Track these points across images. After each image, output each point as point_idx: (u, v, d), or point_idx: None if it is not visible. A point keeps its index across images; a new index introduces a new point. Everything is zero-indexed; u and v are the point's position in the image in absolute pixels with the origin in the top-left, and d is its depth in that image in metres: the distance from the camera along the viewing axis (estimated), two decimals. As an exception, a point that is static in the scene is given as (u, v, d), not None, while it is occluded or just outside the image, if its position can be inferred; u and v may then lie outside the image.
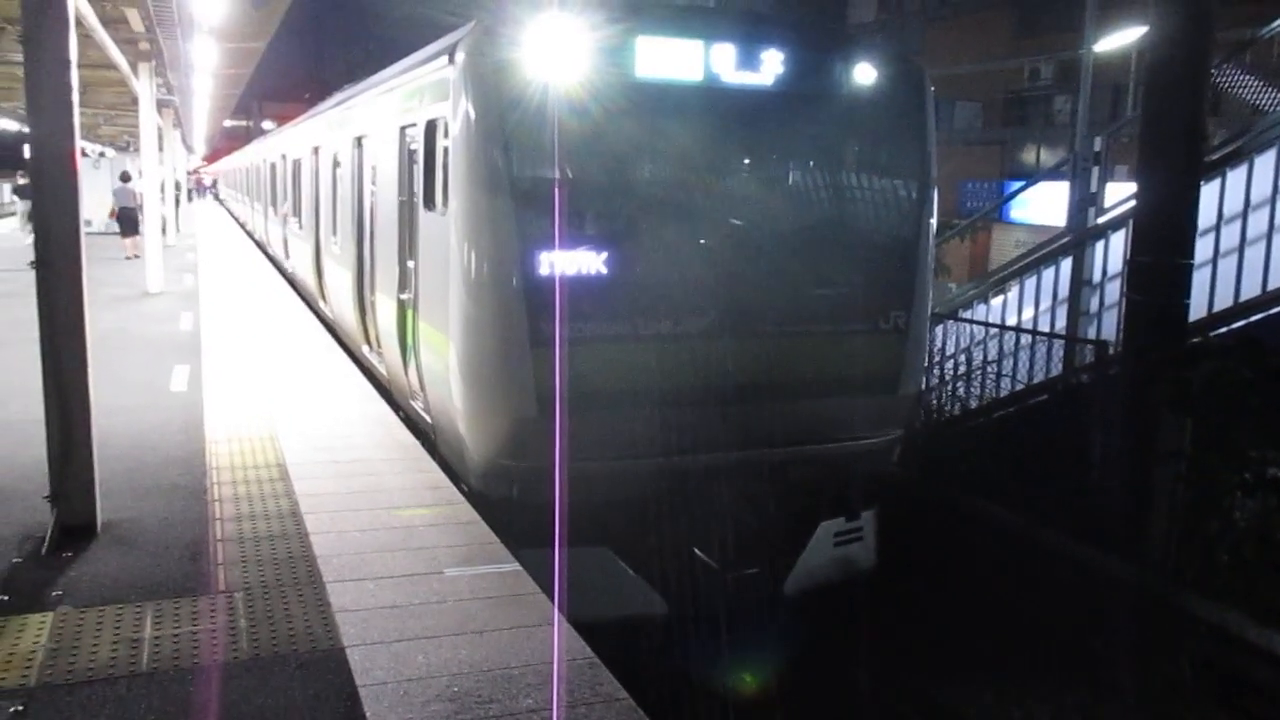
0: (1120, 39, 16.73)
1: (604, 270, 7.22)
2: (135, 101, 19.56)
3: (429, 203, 8.16)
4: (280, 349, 12.37)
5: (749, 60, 7.56)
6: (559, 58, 7.02)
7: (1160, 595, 8.25)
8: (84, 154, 22.43)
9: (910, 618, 8.95)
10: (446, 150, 7.58)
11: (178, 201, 33.81)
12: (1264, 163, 10.55)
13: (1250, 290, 10.51)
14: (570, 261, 7.13)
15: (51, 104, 5.91)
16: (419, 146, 8.44)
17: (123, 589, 5.39)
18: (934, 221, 8.57)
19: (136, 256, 22.17)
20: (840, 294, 8.13)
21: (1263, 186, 10.54)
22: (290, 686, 4.41)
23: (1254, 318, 10.40)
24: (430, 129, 8.09)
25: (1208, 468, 8.32)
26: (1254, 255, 10.52)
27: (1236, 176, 10.81)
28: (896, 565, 8.77)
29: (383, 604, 5.23)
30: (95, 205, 29.71)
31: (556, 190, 7.09)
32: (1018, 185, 25.36)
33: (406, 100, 9.00)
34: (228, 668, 4.57)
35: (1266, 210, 10.45)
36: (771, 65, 7.61)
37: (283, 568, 5.70)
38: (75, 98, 5.98)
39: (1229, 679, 7.66)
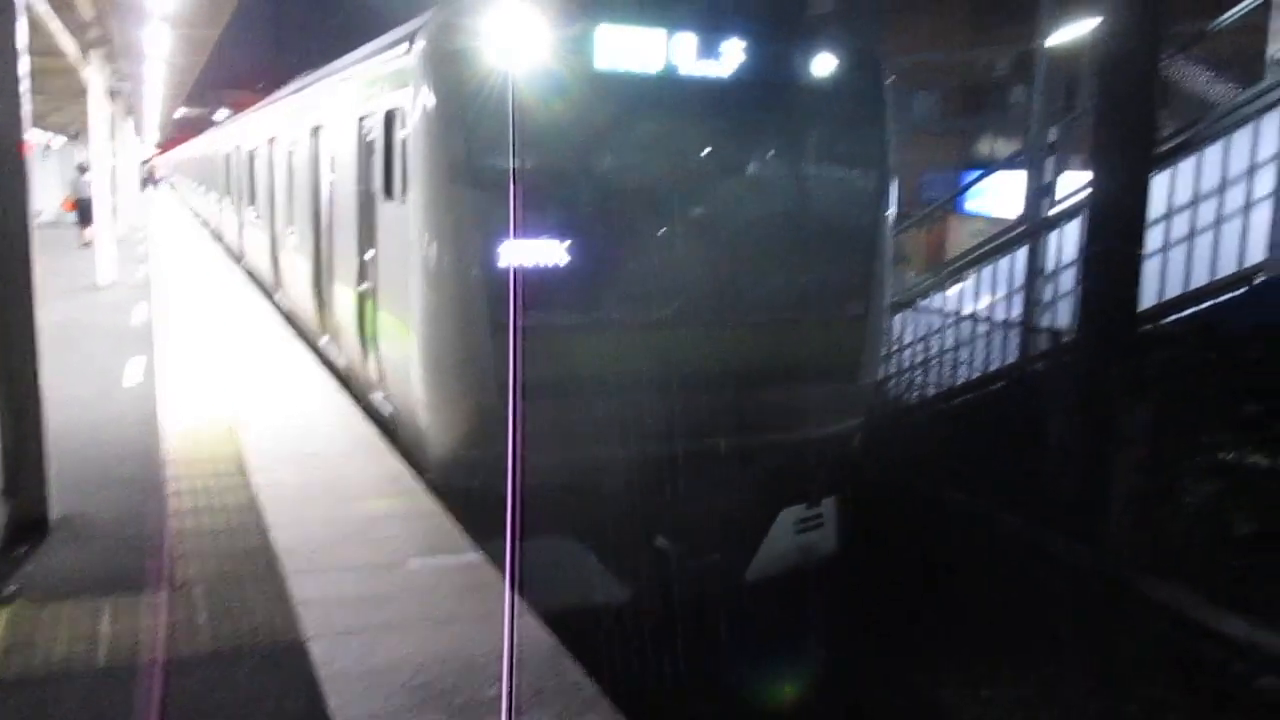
0: (1074, 31, 16.92)
1: (565, 259, 7.21)
2: (85, 90, 19.22)
3: (388, 192, 8.09)
4: (237, 341, 12.22)
5: (708, 50, 7.57)
6: (519, 47, 6.98)
7: (1117, 578, 8.40)
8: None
9: (869, 601, 9.02)
10: (405, 139, 7.52)
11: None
12: (1213, 153, 10.75)
13: (1199, 278, 10.71)
14: (531, 251, 7.11)
15: (0, 92, 5.79)
16: (378, 136, 8.37)
17: (79, 584, 5.31)
18: (892, 211, 8.64)
19: (89, 245, 22.10)
20: (799, 283, 8.17)
21: (1212, 176, 10.74)
22: (252, 679, 4.38)
23: (1204, 305, 10.60)
24: (389, 118, 8.02)
25: (1161, 453, 8.48)
26: (1204, 243, 10.72)
27: (1187, 166, 11.00)
28: (856, 551, 8.84)
29: (344, 595, 5.20)
30: (44, 195, 29.25)
31: (515, 179, 7.05)
32: (975, 175, 25.61)
33: (365, 89, 8.92)
34: (188, 662, 4.52)
35: (1215, 200, 10.65)
36: (731, 55, 7.63)
37: (242, 561, 5.64)
38: (25, 86, 5.87)
39: (1185, 660, 7.83)
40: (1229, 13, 10.90)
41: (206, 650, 4.63)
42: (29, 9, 11.44)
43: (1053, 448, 9.84)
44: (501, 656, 4.60)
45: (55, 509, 6.18)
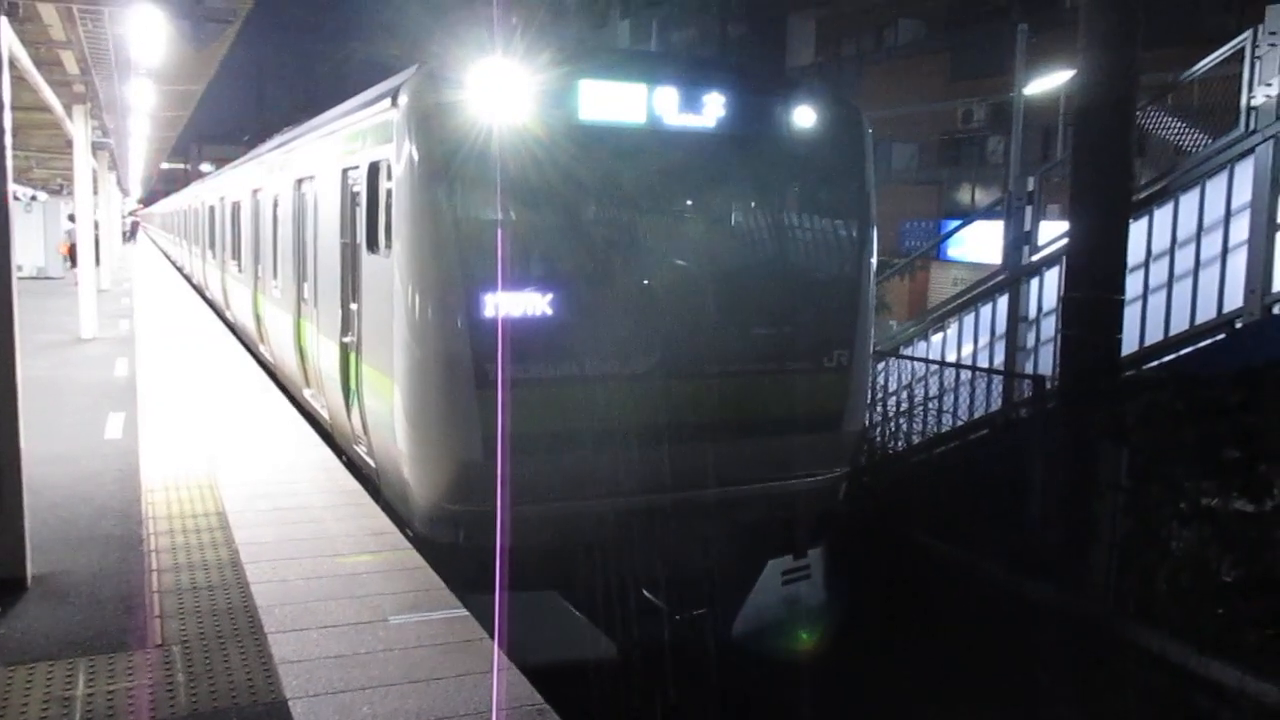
0: (1050, 82, 17.24)
1: (548, 312, 7.22)
2: (69, 144, 19.26)
3: (372, 245, 8.11)
4: (219, 394, 12.14)
5: (690, 103, 7.65)
6: (502, 101, 7.05)
7: (1103, 626, 8.36)
8: (15, 197, 22.60)
9: (855, 652, 8.95)
10: (389, 193, 7.55)
11: (98, 243, 33.60)
12: (1189, 201, 10.89)
13: (1180, 324, 10.80)
14: (514, 303, 7.12)
15: (-17, 147, 5.79)
16: (362, 189, 8.40)
17: (54, 645, 5.22)
18: (874, 260, 8.70)
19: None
20: (784, 333, 8.19)
21: (1188, 224, 10.87)
22: (230, 742, 4.30)
23: (1184, 351, 10.67)
24: (373, 171, 8.06)
25: (1144, 499, 8.48)
26: (1182, 290, 10.81)
27: (1163, 214, 11.14)
28: (843, 600, 8.78)
29: (326, 654, 5.12)
30: (26, 249, 29.26)
31: (500, 232, 7.09)
32: (955, 224, 25.91)
33: (349, 143, 8.97)
34: (165, 724, 4.44)
35: (1192, 247, 10.77)
36: (713, 108, 7.71)
37: (222, 619, 5.56)
38: (8, 140, 5.88)
39: (1173, 708, 7.76)
40: (1203, 61, 11.10)
41: (185, 712, 4.54)
42: (13, 63, 11.49)
43: (1036, 495, 9.84)
44: (483, 715, 4.53)
45: (32, 566, 6.08)
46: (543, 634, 6.92)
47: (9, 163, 5.90)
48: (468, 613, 5.70)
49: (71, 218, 28.00)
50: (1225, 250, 10.43)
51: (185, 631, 5.39)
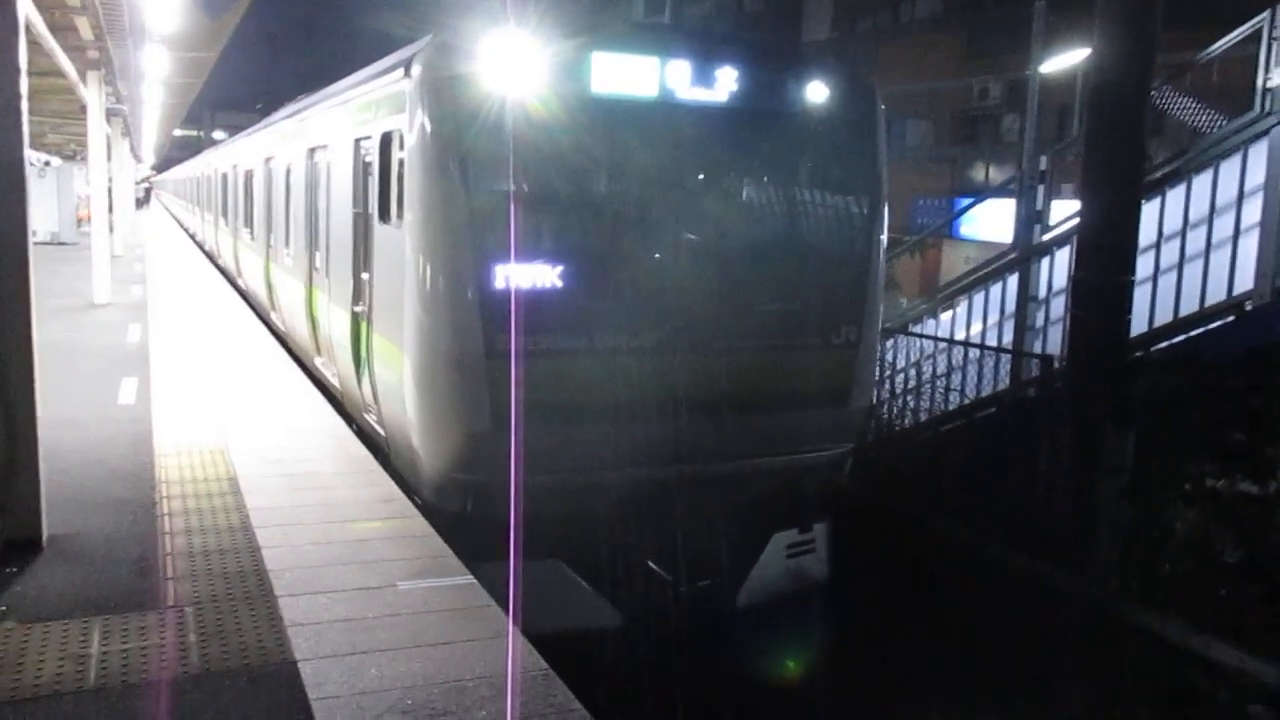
0: (1066, 60, 17.10)
1: (558, 283, 7.26)
2: (83, 110, 19.29)
3: (384, 215, 8.14)
4: (231, 361, 12.23)
5: (703, 77, 7.64)
6: (515, 72, 7.06)
7: (1104, 606, 8.41)
8: (30, 163, 22.59)
9: (857, 630, 9.03)
10: (402, 163, 7.57)
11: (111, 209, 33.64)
12: (1202, 182, 10.86)
13: (1189, 306, 10.79)
14: (525, 274, 7.16)
15: (0, 111, 5.83)
16: (374, 159, 8.43)
17: (69, 604, 5.31)
18: (885, 237, 8.70)
19: None
20: (792, 308, 8.22)
21: (1200, 205, 10.84)
22: (241, 701, 4.38)
23: (1194, 332, 10.68)
24: (385, 141, 8.08)
25: (1149, 480, 8.52)
26: (1193, 272, 10.80)
27: (1176, 195, 11.11)
28: (846, 577, 8.85)
29: (335, 617, 5.20)
30: (40, 215, 29.42)
31: (511, 203, 7.12)
32: (967, 202, 25.78)
33: (362, 112, 8.99)
34: (177, 683, 4.53)
35: (1204, 228, 10.75)
36: (725, 82, 7.71)
37: (234, 581, 5.64)
38: (24, 105, 5.91)
39: (1173, 688, 7.83)
40: (1219, 42, 11.03)
41: (196, 671, 4.63)
42: (28, 28, 11.51)
43: (1042, 474, 9.88)
44: (490, 679, 4.62)
45: (47, 528, 6.18)
46: (548, 602, 7.01)
47: (25, 128, 5.94)
48: (475, 580, 5.78)
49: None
50: (1237, 232, 10.42)
51: (197, 593, 5.48)
